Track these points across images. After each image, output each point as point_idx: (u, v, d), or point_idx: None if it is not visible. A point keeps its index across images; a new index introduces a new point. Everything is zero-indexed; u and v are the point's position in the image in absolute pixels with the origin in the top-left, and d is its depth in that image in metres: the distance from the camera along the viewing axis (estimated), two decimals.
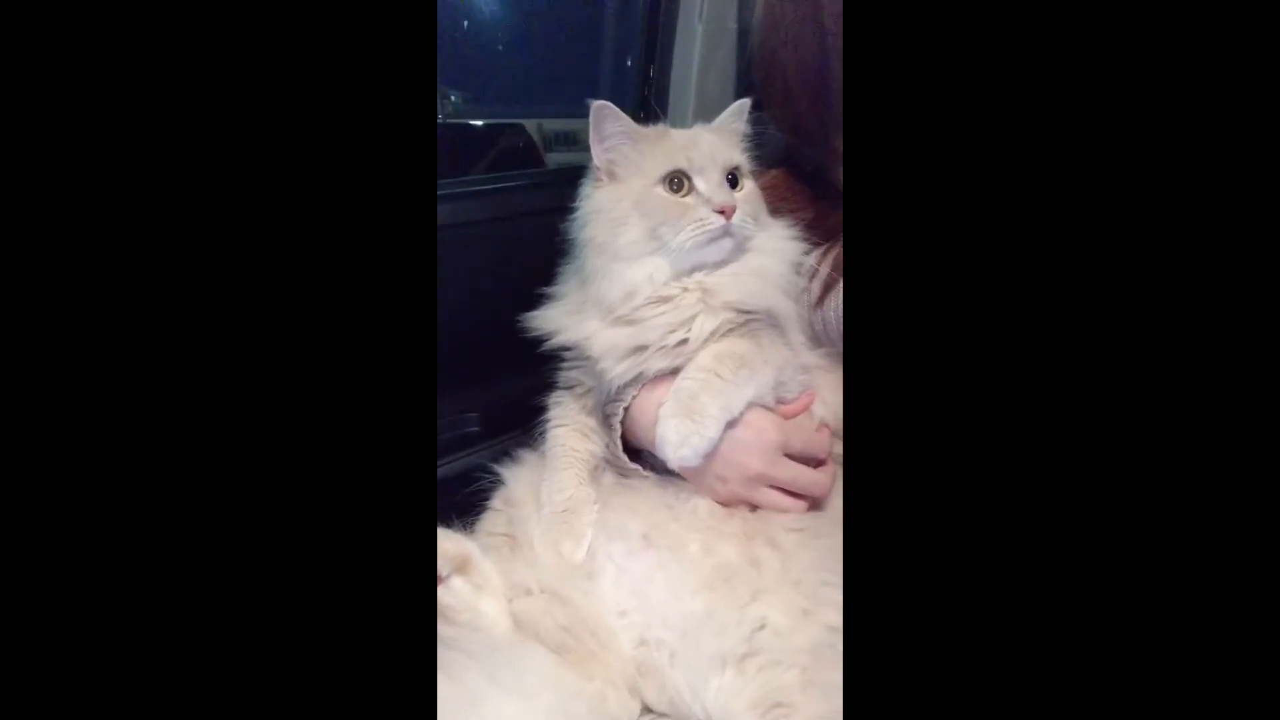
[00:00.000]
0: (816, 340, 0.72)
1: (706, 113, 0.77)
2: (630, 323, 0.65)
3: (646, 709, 0.60)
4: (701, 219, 0.63)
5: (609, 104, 0.65)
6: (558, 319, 0.69)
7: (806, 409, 0.68)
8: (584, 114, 0.66)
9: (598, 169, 0.68)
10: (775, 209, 0.74)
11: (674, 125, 0.72)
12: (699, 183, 0.65)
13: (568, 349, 0.70)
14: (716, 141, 0.68)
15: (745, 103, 0.72)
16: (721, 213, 0.64)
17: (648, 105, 1.18)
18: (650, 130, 0.69)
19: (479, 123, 1.39)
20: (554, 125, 1.34)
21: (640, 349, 0.65)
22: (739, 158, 0.69)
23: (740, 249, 0.67)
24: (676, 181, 0.65)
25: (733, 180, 0.67)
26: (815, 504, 0.65)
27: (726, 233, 0.64)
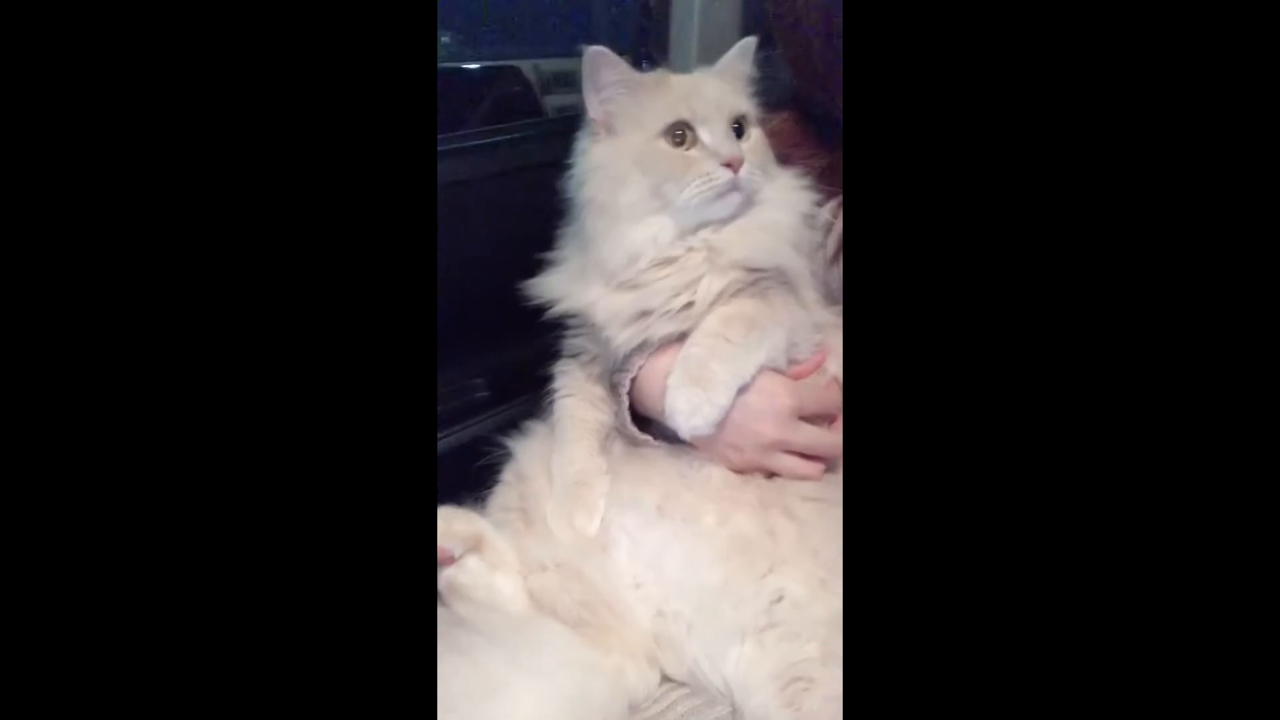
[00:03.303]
0: (831, 297, 0.68)
1: (710, 49, 0.72)
2: (634, 287, 0.63)
3: (666, 679, 0.60)
4: (707, 173, 0.60)
5: (604, 50, 0.61)
6: (559, 286, 0.67)
7: (819, 368, 0.65)
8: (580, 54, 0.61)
9: (594, 121, 0.64)
10: (784, 156, 0.69)
11: (676, 64, 0.67)
12: (703, 134, 0.61)
13: (571, 316, 0.67)
14: (721, 87, 0.64)
15: (750, 42, 0.67)
16: (729, 165, 0.60)
17: (647, 40, 1.11)
18: (649, 77, 0.64)
19: (472, 66, 1.32)
20: (551, 66, 1.28)
21: (645, 314, 0.62)
22: (745, 104, 0.64)
23: (749, 203, 0.63)
24: (679, 133, 0.61)
25: (739, 129, 0.63)
26: (830, 466, 0.64)
27: (734, 187, 0.60)
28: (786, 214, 0.65)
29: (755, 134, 0.65)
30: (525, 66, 1.28)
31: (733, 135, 0.62)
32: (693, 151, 0.61)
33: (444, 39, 1.38)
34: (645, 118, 0.62)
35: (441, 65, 1.28)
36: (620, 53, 0.63)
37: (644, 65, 0.93)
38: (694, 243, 0.62)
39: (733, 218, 0.63)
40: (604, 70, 0.61)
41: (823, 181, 0.68)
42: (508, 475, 0.69)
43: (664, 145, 0.61)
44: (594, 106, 0.63)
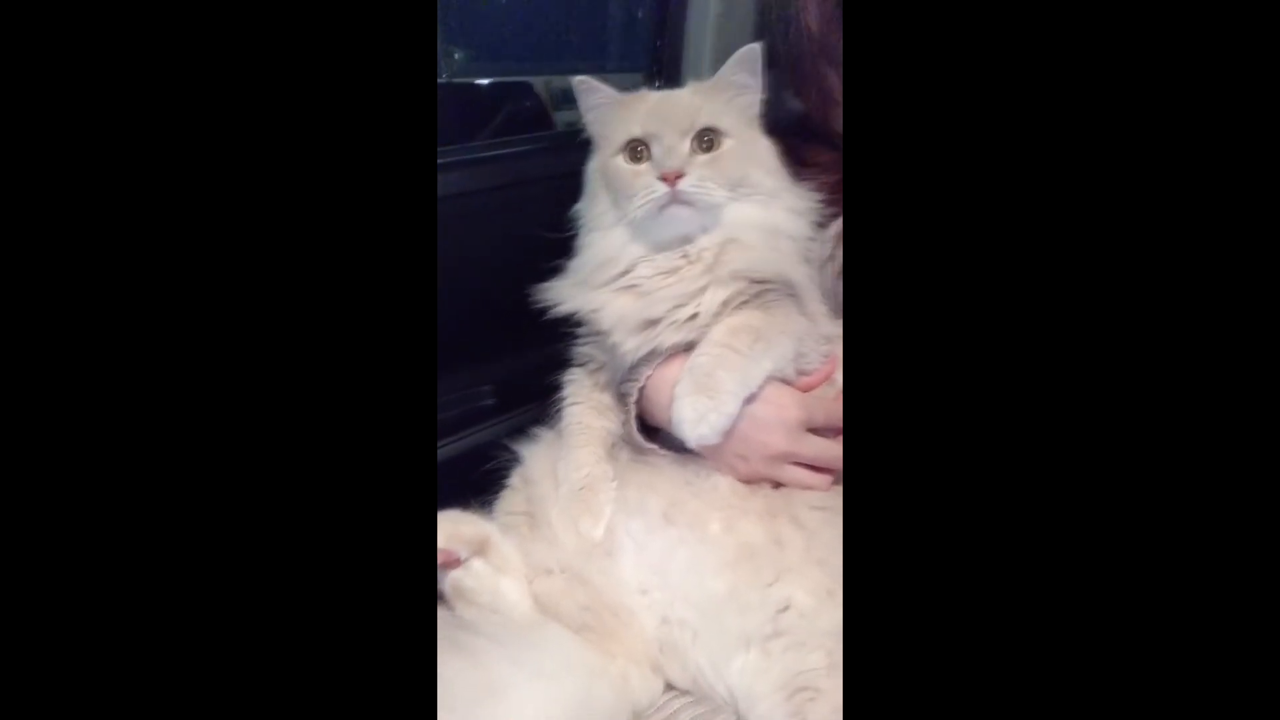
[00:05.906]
0: (840, 310, 0.69)
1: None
2: (638, 294, 0.64)
3: (669, 686, 0.59)
4: (647, 188, 0.61)
5: (587, 79, 0.67)
6: (566, 291, 0.68)
7: (827, 379, 0.66)
8: (593, 69, 0.65)
9: (593, 139, 0.69)
10: (798, 171, 0.70)
11: (691, 79, 0.70)
12: (654, 149, 0.62)
13: (580, 324, 0.68)
14: (690, 101, 0.64)
15: (755, 49, 0.65)
16: (664, 179, 0.60)
17: (661, 58, 1.13)
18: (629, 97, 0.68)
19: (484, 81, 1.34)
20: (561, 83, 1.30)
21: (651, 323, 0.63)
22: (720, 116, 0.63)
23: (714, 218, 0.63)
24: (638, 149, 0.63)
25: (709, 142, 0.63)
26: (838, 477, 0.64)
27: (674, 200, 0.61)
28: (788, 226, 0.66)
29: (728, 144, 0.63)
30: (537, 83, 1.29)
31: (681, 149, 0.61)
32: (642, 166, 0.63)
33: (457, 55, 1.40)
34: (613, 135, 0.65)
35: (455, 81, 1.29)
36: (634, 71, 0.65)
37: (657, 84, 0.95)
38: (690, 253, 0.63)
39: (703, 230, 0.63)
40: (586, 95, 0.67)
41: (836, 195, 0.69)
42: (514, 480, 0.70)
43: (620, 161, 0.64)
44: (589, 125, 0.69)
